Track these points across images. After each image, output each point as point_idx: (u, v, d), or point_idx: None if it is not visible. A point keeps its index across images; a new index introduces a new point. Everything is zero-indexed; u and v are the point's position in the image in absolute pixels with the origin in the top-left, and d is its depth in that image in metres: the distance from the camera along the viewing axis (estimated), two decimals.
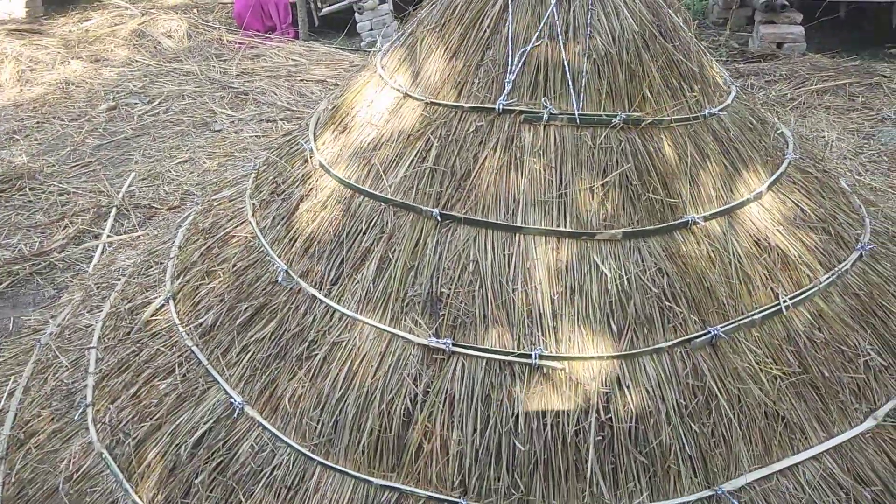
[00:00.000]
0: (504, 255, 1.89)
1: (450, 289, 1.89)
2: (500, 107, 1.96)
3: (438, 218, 1.94)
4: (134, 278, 2.74)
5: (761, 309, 1.90)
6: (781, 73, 6.04)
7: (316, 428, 1.88)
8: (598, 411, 1.76)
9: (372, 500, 1.79)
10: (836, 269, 2.05)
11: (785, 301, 1.92)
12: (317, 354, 1.95)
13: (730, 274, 1.91)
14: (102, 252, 4.01)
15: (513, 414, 1.77)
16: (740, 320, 1.87)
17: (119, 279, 2.94)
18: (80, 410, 2.33)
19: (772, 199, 2.08)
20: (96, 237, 4.23)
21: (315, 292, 2.04)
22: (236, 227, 2.41)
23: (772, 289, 1.94)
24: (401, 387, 1.83)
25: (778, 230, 2.02)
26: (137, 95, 6.29)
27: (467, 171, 1.97)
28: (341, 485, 1.82)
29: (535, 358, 1.78)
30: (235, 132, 5.55)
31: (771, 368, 1.85)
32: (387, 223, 2.01)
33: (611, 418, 1.76)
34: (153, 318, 2.42)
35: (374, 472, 1.81)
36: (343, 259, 2.04)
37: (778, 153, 2.22)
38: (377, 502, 1.78)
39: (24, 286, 3.82)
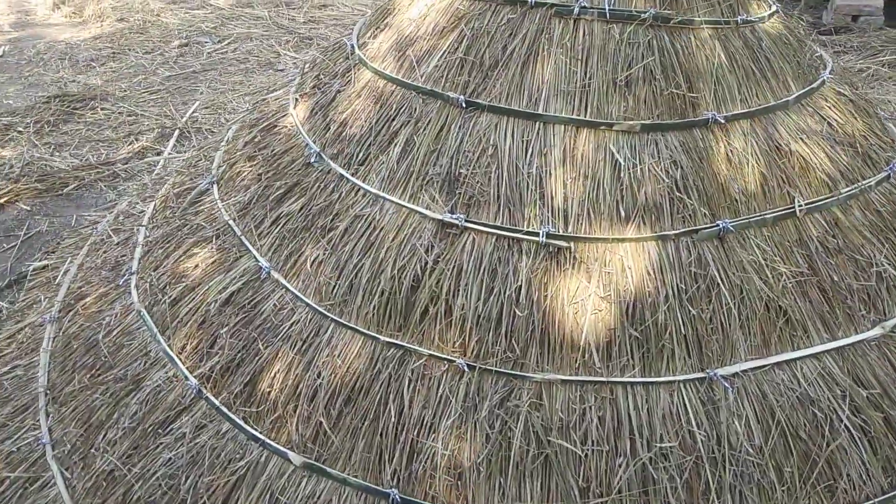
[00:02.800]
0: (523, 141, 1.96)
1: (468, 170, 1.97)
2: (532, 0, 2.02)
3: (464, 105, 2.02)
4: (185, 169, 2.92)
5: (774, 210, 1.92)
6: (853, 44, 5.84)
7: (333, 290, 2.00)
8: (598, 288, 1.82)
9: (378, 355, 1.90)
10: (860, 184, 2.04)
11: (800, 205, 1.92)
12: (339, 226, 2.07)
13: (745, 174, 1.93)
14: (164, 167, 4.25)
15: (516, 286, 1.84)
16: (751, 217, 1.89)
17: (173, 175, 3.13)
18: (125, 277, 2.52)
19: (800, 111, 2.08)
20: (158, 154, 4.48)
21: (343, 171, 2.15)
22: (279, 118, 2.55)
23: (788, 192, 1.95)
24: (412, 255, 1.93)
25: (801, 138, 2.02)
26: (209, 35, 6.54)
27: (495, 61, 2.03)
28: (351, 340, 1.93)
29: (543, 236, 1.85)
30: (296, 67, 5.72)
31: (778, 266, 1.87)
32: (415, 109, 2.10)
33: (609, 295, 1.81)
34: (198, 199, 2.58)
35: (381, 331, 1.92)
36: (371, 142, 2.15)
37: (812, 72, 2.21)
38: (383, 357, 1.89)
39: (88, 190, 4.09)
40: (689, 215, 1.88)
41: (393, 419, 1.82)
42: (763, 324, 1.83)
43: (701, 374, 1.79)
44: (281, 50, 6.19)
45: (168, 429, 2.04)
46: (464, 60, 2.07)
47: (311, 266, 2.07)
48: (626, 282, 1.82)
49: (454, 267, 1.89)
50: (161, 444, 2.02)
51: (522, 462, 1.74)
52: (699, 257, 1.85)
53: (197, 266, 2.31)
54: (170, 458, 1.97)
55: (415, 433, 1.80)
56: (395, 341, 1.89)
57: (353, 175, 2.14)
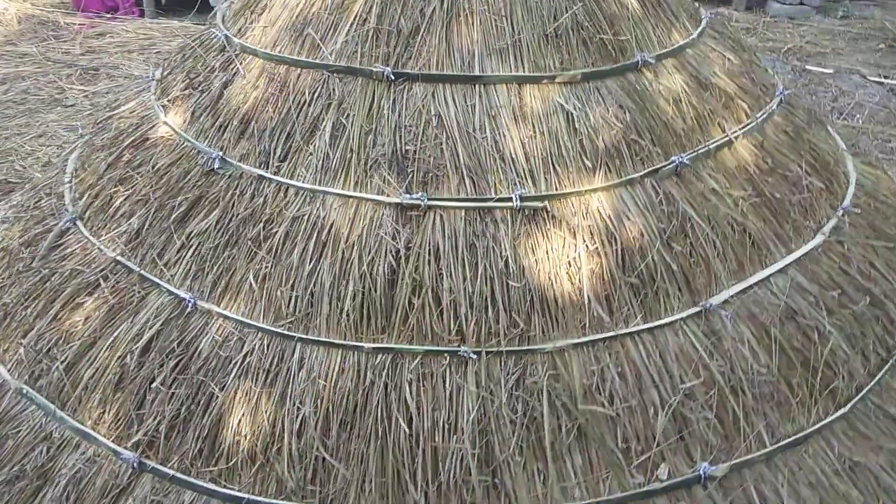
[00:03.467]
0: (467, 106, 1.81)
1: (415, 145, 1.78)
2: None
3: (392, 77, 1.83)
4: (20, 216, 2.38)
5: (714, 140, 1.96)
6: None
7: (290, 304, 1.70)
8: (584, 243, 1.73)
9: (365, 365, 1.64)
10: (767, 107, 2.16)
11: (735, 132, 1.99)
12: (276, 232, 1.77)
13: (682, 110, 1.95)
14: None
15: (501, 258, 1.70)
16: (698, 149, 1.92)
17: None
18: None
19: (703, 47, 2.16)
20: None
21: (261, 172, 1.86)
22: (147, 131, 2.15)
23: (719, 123, 2.00)
24: (380, 246, 1.70)
25: (714, 72, 2.09)
26: None
27: (415, 27, 1.87)
28: (328, 356, 1.66)
29: (517, 200, 1.72)
30: (92, 104, 5.05)
31: (731, 192, 1.91)
32: (333, 91, 1.87)
33: (597, 249, 1.73)
34: (58, 243, 2.10)
35: (362, 338, 1.67)
36: (289, 134, 1.87)
37: (697, 16, 2.31)
38: (370, 366, 1.64)
39: None
40: (647, 156, 1.85)
41: (404, 431, 1.58)
42: (735, 249, 1.86)
43: (697, 309, 1.77)
44: (65, 84, 5.43)
45: None
46: (378, 31, 1.88)
47: (252, 285, 1.75)
48: (609, 231, 1.75)
49: (430, 250, 1.70)
50: None
51: (557, 440, 1.60)
52: (666, 195, 1.83)
53: (88, 318, 1.87)
54: None
55: (434, 440, 1.58)
56: (382, 345, 1.66)
57: (274, 174, 1.85)
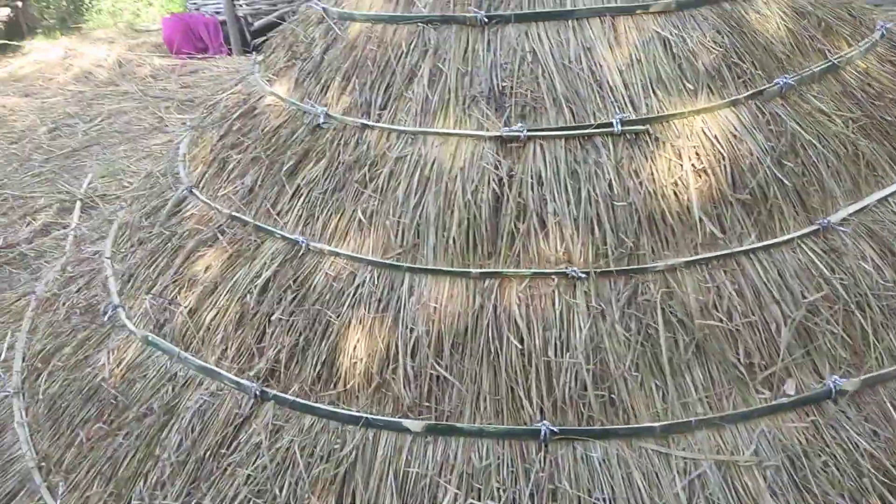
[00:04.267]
0: (561, 40, 1.84)
1: (511, 81, 1.82)
2: None
3: (485, 20, 1.88)
4: (141, 194, 2.54)
5: (817, 65, 1.91)
6: None
7: (396, 238, 1.75)
8: (691, 162, 1.70)
9: (473, 290, 1.66)
10: (869, 38, 2.09)
11: (838, 57, 1.93)
12: (381, 172, 1.83)
13: (781, 36, 1.91)
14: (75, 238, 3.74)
15: (605, 180, 1.69)
16: (803, 73, 1.87)
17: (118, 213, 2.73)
18: (108, 313, 2.11)
19: None
20: (64, 228, 3.96)
21: (364, 121, 1.93)
22: (254, 102, 2.28)
23: (820, 49, 1.95)
24: (482, 176, 1.73)
25: (811, 2, 2.05)
26: (77, 116, 6.02)
27: None
28: (436, 284, 1.68)
29: (618, 125, 1.72)
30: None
31: (840, 113, 1.85)
32: (429, 39, 1.93)
33: (704, 168, 1.70)
34: (177, 210, 2.24)
35: (469, 264, 1.69)
36: (388, 84, 1.95)
37: None
38: (479, 290, 1.65)
39: None
40: (749, 79, 1.82)
41: (516, 350, 1.58)
42: (849, 168, 1.79)
43: (813, 227, 1.70)
44: (164, 115, 5.80)
45: (232, 446, 1.67)
46: None
47: (360, 222, 1.81)
48: (716, 150, 1.72)
49: (532, 176, 1.71)
50: (229, 464, 1.64)
51: (675, 356, 1.56)
52: (773, 116, 1.79)
53: (208, 267, 1.97)
54: (249, 476, 1.60)
55: (547, 357, 1.57)
56: (490, 269, 1.67)
57: (376, 121, 1.92)
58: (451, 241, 1.70)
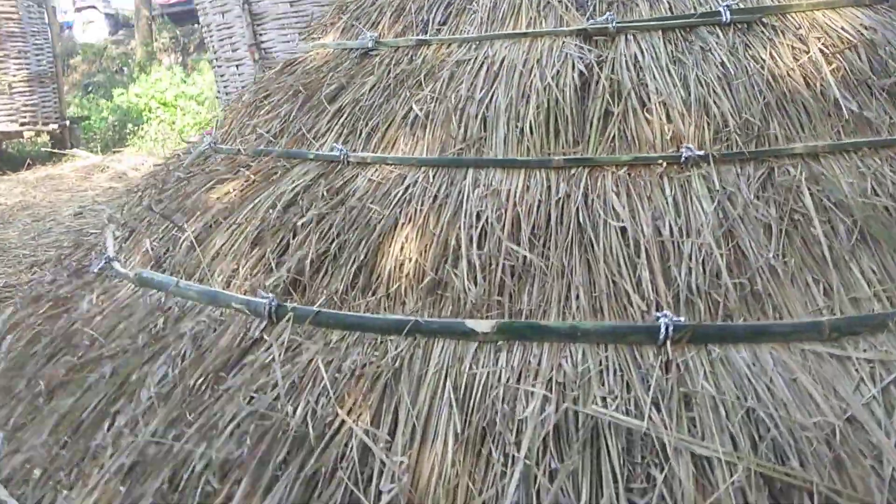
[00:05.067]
0: None
1: None
2: None
3: None
4: (162, 167, 2.25)
5: None
6: None
7: (457, 133, 1.43)
8: (818, 47, 1.40)
9: (556, 180, 1.31)
10: None
11: None
12: (441, 76, 1.55)
13: None
14: None
15: (717, 61, 1.40)
16: None
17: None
18: (100, 264, 1.75)
19: None
20: None
21: (420, 37, 1.68)
22: (295, 60, 2.06)
23: None
24: (564, 62, 1.44)
25: None
26: (104, 205, 5.94)
27: None
28: (507, 175, 1.34)
29: (726, 14, 1.46)
30: None
31: None
32: None
33: (836, 55, 1.40)
34: (200, 163, 1.94)
35: (551, 152, 1.35)
36: (448, 2, 1.73)
37: None
38: (563, 179, 1.30)
39: None
40: None
41: (618, 237, 1.20)
42: None
43: None
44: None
45: (233, 372, 1.24)
46: None
47: (412, 126, 1.50)
48: (847, 40, 1.43)
49: (628, 59, 1.42)
50: (227, 388, 1.20)
51: (833, 246, 1.16)
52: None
53: (227, 193, 1.64)
54: (251, 398, 1.16)
55: (661, 246, 1.18)
56: (577, 156, 1.33)
57: (434, 35, 1.67)
58: (527, 130, 1.38)
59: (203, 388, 1.23)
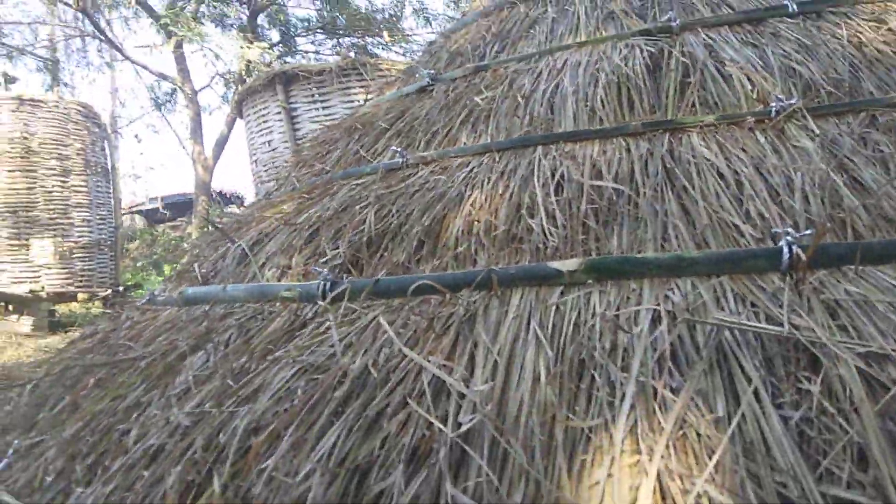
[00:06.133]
0: None
1: None
2: None
3: None
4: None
5: None
6: None
7: (524, 119, 1.36)
8: None
9: (636, 143, 1.21)
10: None
11: None
12: (502, 84, 1.52)
13: None
14: None
15: (793, 41, 1.34)
16: None
17: None
18: (146, 298, 1.64)
19: None
20: None
21: (478, 63, 1.68)
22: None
23: None
24: (632, 50, 1.40)
25: None
26: None
27: None
28: (580, 147, 1.24)
29: (792, 5, 1.43)
30: None
31: None
32: (550, 1, 1.78)
33: None
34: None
35: (624, 120, 1.27)
36: (506, 35, 1.76)
37: None
38: (643, 140, 1.20)
39: None
40: None
41: (715, 180, 1.07)
42: None
43: None
44: None
45: (280, 348, 1.09)
46: None
47: (473, 125, 1.44)
48: None
49: (698, 44, 1.37)
50: (274, 359, 1.04)
51: None
52: None
53: (282, 210, 1.57)
54: (299, 367, 0.99)
55: (765, 182, 1.04)
56: (655, 119, 1.24)
57: (493, 59, 1.67)
58: (597, 106, 1.30)
59: (248, 365, 1.08)
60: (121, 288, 9.95)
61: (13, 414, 1.45)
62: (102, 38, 10.59)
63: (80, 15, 10.49)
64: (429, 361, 0.89)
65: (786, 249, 0.91)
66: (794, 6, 1.42)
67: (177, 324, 1.38)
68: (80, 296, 9.12)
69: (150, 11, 10.00)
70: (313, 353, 1.00)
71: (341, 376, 0.92)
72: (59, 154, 7.32)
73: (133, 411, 1.12)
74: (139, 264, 13.59)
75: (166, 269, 11.72)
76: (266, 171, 6.30)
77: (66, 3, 10.10)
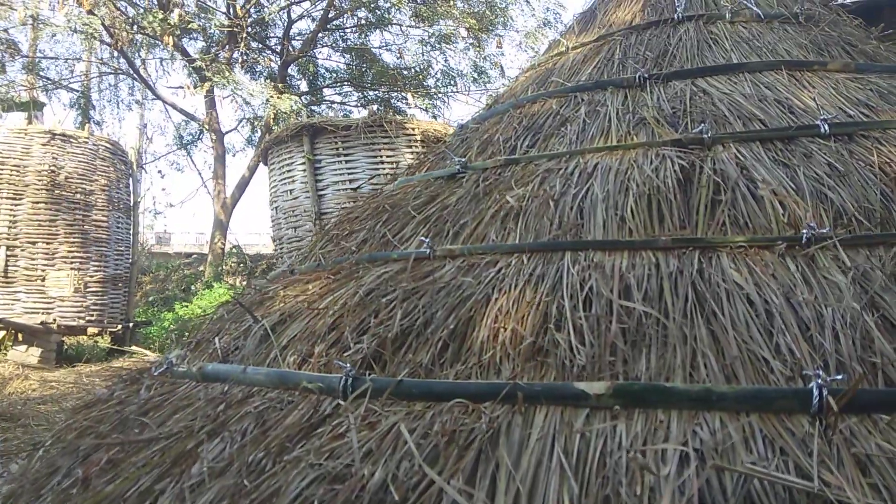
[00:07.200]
0: (735, 83, 1.69)
1: (683, 105, 1.63)
2: None
3: (646, 76, 1.78)
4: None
5: None
6: None
7: (551, 225, 1.37)
8: None
9: (665, 258, 1.21)
10: None
11: None
12: (532, 181, 1.54)
13: None
14: None
15: (824, 163, 1.36)
16: None
17: None
18: (162, 368, 1.65)
19: None
20: None
21: (508, 157, 1.71)
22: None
23: None
24: (663, 160, 1.42)
25: None
26: None
27: (664, 49, 1.88)
28: (609, 256, 1.25)
29: (824, 126, 1.45)
30: None
31: None
32: (581, 100, 1.83)
33: None
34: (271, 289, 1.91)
35: (654, 233, 1.27)
36: (538, 130, 1.79)
37: None
38: (672, 257, 1.21)
39: None
40: None
41: (745, 308, 1.07)
42: None
43: None
44: None
45: (300, 445, 1.08)
46: (622, 62, 1.91)
47: (503, 221, 1.46)
48: None
49: (730, 159, 1.39)
50: (290, 459, 1.03)
51: None
52: None
53: (306, 290, 1.58)
54: (318, 474, 0.98)
55: (795, 314, 1.04)
56: (686, 237, 1.25)
57: (523, 154, 1.70)
58: (627, 216, 1.32)
59: (264, 462, 1.07)
60: (130, 324, 9.96)
61: (22, 479, 1.44)
62: (136, 77, 10.88)
63: (115, 53, 10.81)
64: (449, 484, 0.88)
65: (815, 392, 0.90)
66: (827, 127, 1.44)
67: (194, 402, 1.38)
68: (91, 330, 9.13)
69: (185, 54, 10.29)
70: (332, 458, 1.00)
71: (360, 490, 0.91)
72: (83, 189, 7.43)
73: (146, 497, 1.11)
74: (150, 299, 13.62)
75: (177, 307, 11.75)
76: (286, 218, 6.37)
77: (104, 42, 10.41)
